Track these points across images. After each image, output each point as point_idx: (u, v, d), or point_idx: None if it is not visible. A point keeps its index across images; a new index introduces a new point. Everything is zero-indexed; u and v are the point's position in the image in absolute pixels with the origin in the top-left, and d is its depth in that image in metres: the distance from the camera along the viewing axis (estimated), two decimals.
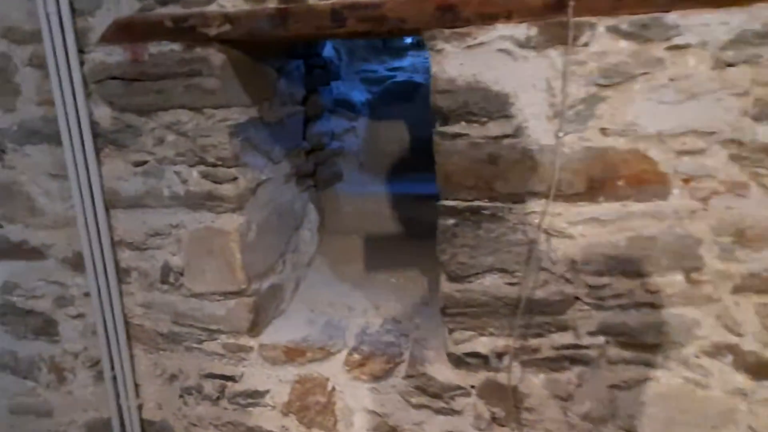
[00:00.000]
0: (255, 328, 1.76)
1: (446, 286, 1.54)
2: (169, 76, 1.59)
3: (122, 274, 1.83)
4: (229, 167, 1.64)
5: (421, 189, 2.68)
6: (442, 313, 1.58)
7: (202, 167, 1.65)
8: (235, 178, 1.65)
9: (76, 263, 1.87)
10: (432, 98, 1.43)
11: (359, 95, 3.36)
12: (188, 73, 1.57)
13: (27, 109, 1.78)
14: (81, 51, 1.65)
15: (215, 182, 1.65)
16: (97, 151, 1.73)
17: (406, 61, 3.83)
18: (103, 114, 1.69)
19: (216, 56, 1.55)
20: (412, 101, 3.38)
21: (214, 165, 1.64)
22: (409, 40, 3.98)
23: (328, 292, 2.09)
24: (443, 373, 1.62)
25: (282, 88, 1.95)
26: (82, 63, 1.66)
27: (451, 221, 1.48)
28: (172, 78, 1.59)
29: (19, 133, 1.81)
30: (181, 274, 1.76)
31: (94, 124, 1.70)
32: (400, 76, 3.58)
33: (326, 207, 2.48)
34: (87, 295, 1.89)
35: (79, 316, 1.94)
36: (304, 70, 2.21)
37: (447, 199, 1.47)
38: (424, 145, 3.25)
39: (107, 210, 1.77)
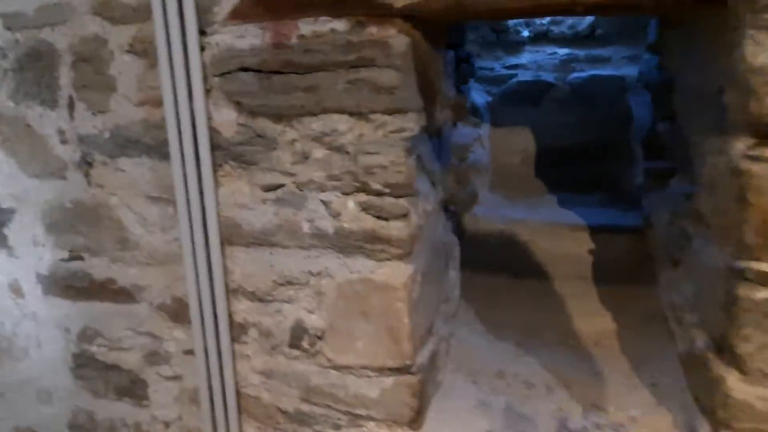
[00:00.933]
0: (418, 417, 1.28)
1: (738, 390, 1.02)
2: (325, 68, 1.13)
3: (237, 330, 1.38)
4: (398, 197, 1.16)
5: (576, 217, 2.15)
6: (727, 426, 1.05)
7: (362, 196, 1.18)
8: (406, 214, 1.17)
9: (176, 312, 1.44)
10: (750, 106, 0.91)
11: (478, 97, 2.85)
12: (354, 63, 1.11)
13: (123, 110, 1.35)
14: (202, 32, 1.21)
15: (380, 218, 1.17)
16: (215, 169, 1.28)
17: (524, 57, 3.31)
18: (227, 119, 1.24)
19: (398, 39, 1.08)
20: (540, 105, 2.86)
21: (380, 194, 1.16)
22: (525, 33, 3.46)
23: (488, 356, 1.59)
24: None
25: (443, 86, 1.47)
26: (202, 48, 1.21)
27: (763, 295, 0.96)
28: (330, 70, 1.12)
29: (111, 141, 1.38)
30: (320, 338, 1.29)
31: (212, 133, 1.26)
32: (523, 75, 3.07)
33: (464, 237, 1.99)
34: (188, 353, 1.45)
35: (176, 377, 1.50)
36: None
37: (760, 259, 0.95)
38: (558, 159, 2.73)
39: (223, 247, 1.32)
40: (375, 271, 1.20)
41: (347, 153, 1.16)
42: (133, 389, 1.56)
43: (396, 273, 1.19)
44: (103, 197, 1.43)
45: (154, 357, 1.51)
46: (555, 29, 3.46)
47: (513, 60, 3.25)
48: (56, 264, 1.54)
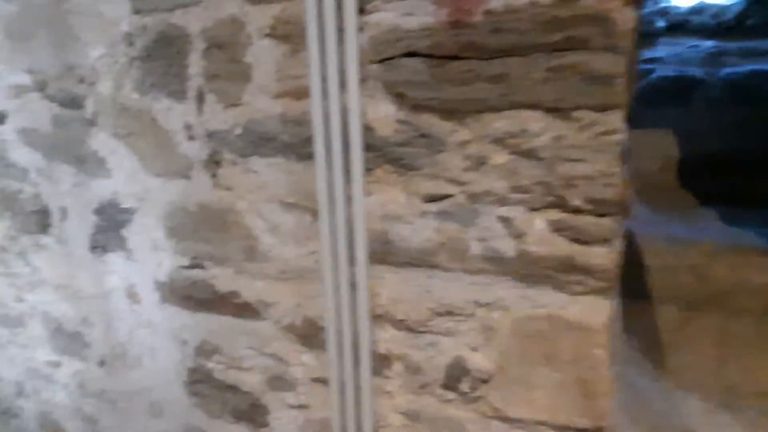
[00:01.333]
0: None
1: None
2: (518, 52, 0.90)
3: (378, 362, 1.18)
4: (602, 216, 0.92)
5: (754, 238, 1.81)
6: None
7: (555, 213, 0.94)
8: (611, 237, 0.92)
9: (307, 335, 1.26)
10: None
11: None
12: (559, 46, 0.87)
13: (259, 103, 1.18)
14: (360, 10, 1.01)
15: (578, 241, 0.93)
16: (365, 173, 1.09)
17: (661, 50, 2.95)
18: (384, 114, 1.04)
19: (623, 14, 0.83)
20: (686, 104, 2.51)
21: (578, 211, 0.93)
22: (662, 23, 3.10)
23: (667, 408, 1.32)
24: None
25: None
26: (359, 29, 1.02)
27: None
28: (525, 54, 0.90)
29: (243, 138, 1.22)
30: (485, 382, 1.07)
31: (365, 131, 1.06)
32: (661, 70, 2.71)
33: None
34: (317, 381, 1.27)
35: (302, 407, 1.33)
36: None
37: None
38: (709, 166, 2.36)
39: (369, 265, 1.13)
40: (566, 307, 0.96)
41: (540, 159, 0.93)
42: (252, 414, 1.41)
43: (594, 310, 0.95)
44: (230, 201, 1.28)
45: (277, 382, 1.34)
46: (695, 19, 3.07)
47: (648, 53, 2.90)
48: (176, 271, 1.41)
